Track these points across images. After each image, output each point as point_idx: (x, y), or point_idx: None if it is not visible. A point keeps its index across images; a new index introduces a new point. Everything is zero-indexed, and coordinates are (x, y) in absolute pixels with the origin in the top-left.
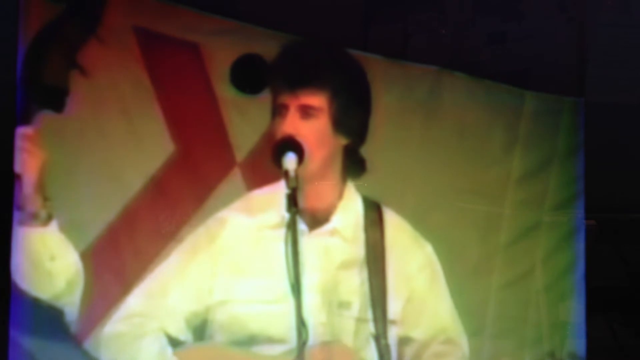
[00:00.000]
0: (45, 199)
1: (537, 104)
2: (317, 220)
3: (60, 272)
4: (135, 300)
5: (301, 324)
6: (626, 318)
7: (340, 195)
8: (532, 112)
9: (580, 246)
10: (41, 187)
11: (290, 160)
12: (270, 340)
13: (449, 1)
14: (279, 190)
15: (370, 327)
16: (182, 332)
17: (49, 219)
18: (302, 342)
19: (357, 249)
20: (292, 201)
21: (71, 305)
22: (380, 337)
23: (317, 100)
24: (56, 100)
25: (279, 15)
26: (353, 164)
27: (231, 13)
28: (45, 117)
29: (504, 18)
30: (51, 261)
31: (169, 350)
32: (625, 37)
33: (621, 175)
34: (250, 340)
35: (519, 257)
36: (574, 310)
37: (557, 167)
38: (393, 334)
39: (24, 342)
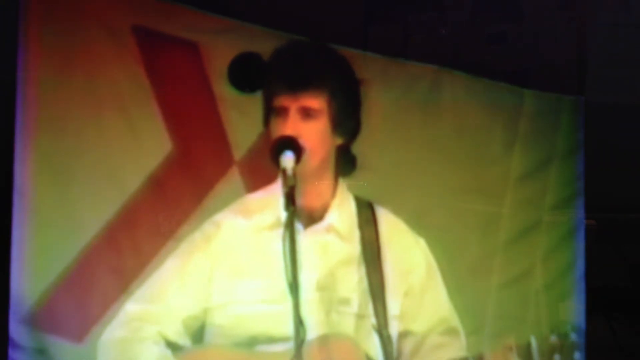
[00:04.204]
0: None
1: (536, 103)
2: (312, 218)
3: None
4: (133, 306)
5: (299, 322)
6: (626, 318)
7: (333, 194)
8: (532, 111)
9: (580, 246)
10: None
11: (287, 159)
12: (272, 340)
13: (449, 1)
14: (273, 192)
15: (372, 321)
16: (181, 337)
17: None
18: (300, 340)
19: (354, 246)
20: (290, 200)
21: None
22: (382, 329)
23: (317, 101)
24: None
25: (279, 14)
26: (345, 162)
27: (230, 12)
28: (44, 116)
29: (504, 18)
30: None
31: (168, 354)
32: (625, 37)
33: (621, 175)
34: (251, 341)
35: (519, 256)
36: (574, 310)
37: (556, 166)
38: (393, 328)
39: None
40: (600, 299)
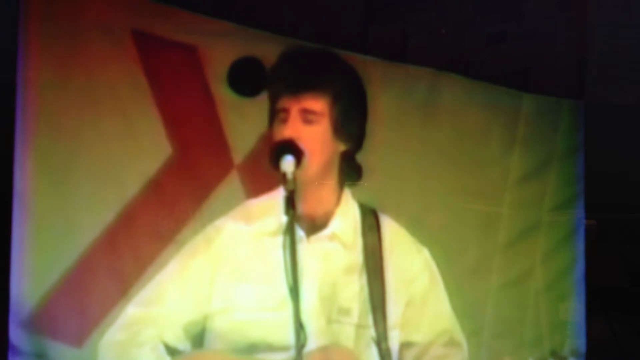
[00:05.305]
0: None
1: (535, 104)
2: (315, 226)
3: None
4: (133, 309)
5: (299, 327)
6: (626, 318)
7: (337, 201)
8: (531, 112)
9: (580, 246)
10: None
11: (288, 163)
12: (271, 348)
13: (449, 1)
14: (276, 197)
15: (371, 332)
16: (180, 341)
17: None
18: (300, 345)
19: (356, 255)
20: (290, 204)
21: None
22: (381, 341)
23: (319, 104)
24: None
25: (278, 16)
26: (350, 170)
27: (229, 15)
28: (44, 118)
29: (504, 18)
30: None
31: (167, 359)
32: (625, 37)
33: (621, 175)
34: (250, 348)
35: (518, 257)
36: (574, 310)
37: (556, 167)
38: (394, 339)
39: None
40: (600, 299)
